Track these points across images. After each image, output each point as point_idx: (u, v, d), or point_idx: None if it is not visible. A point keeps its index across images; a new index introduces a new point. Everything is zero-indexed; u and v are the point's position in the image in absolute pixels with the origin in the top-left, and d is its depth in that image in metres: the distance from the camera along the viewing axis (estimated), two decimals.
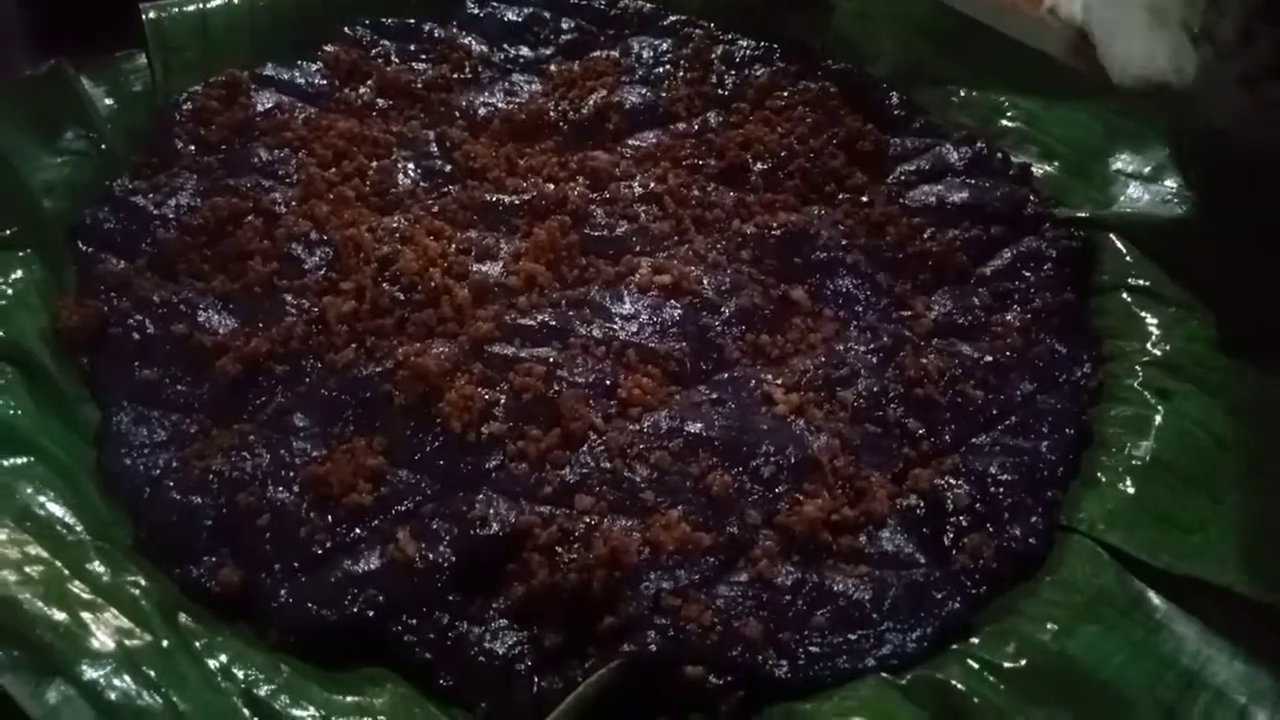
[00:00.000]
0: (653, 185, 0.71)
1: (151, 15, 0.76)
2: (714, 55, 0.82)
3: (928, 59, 0.81)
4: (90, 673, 0.43)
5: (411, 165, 0.73)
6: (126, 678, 0.43)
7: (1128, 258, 0.67)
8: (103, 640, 0.44)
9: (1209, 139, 0.69)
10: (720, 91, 0.80)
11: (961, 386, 0.60)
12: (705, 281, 0.64)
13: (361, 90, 0.78)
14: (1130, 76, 0.76)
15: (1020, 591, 0.51)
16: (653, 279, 0.64)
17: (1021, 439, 0.58)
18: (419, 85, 0.79)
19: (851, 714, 0.46)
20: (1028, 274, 0.67)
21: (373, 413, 0.56)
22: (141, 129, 0.73)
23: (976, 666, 0.47)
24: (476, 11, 0.86)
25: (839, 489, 0.55)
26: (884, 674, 0.48)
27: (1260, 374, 0.60)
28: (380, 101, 0.78)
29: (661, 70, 0.81)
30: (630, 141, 0.76)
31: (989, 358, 0.62)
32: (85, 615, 0.45)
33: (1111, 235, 0.68)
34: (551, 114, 0.77)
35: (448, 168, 0.73)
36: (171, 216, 0.67)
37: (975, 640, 0.49)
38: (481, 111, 0.77)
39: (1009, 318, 0.64)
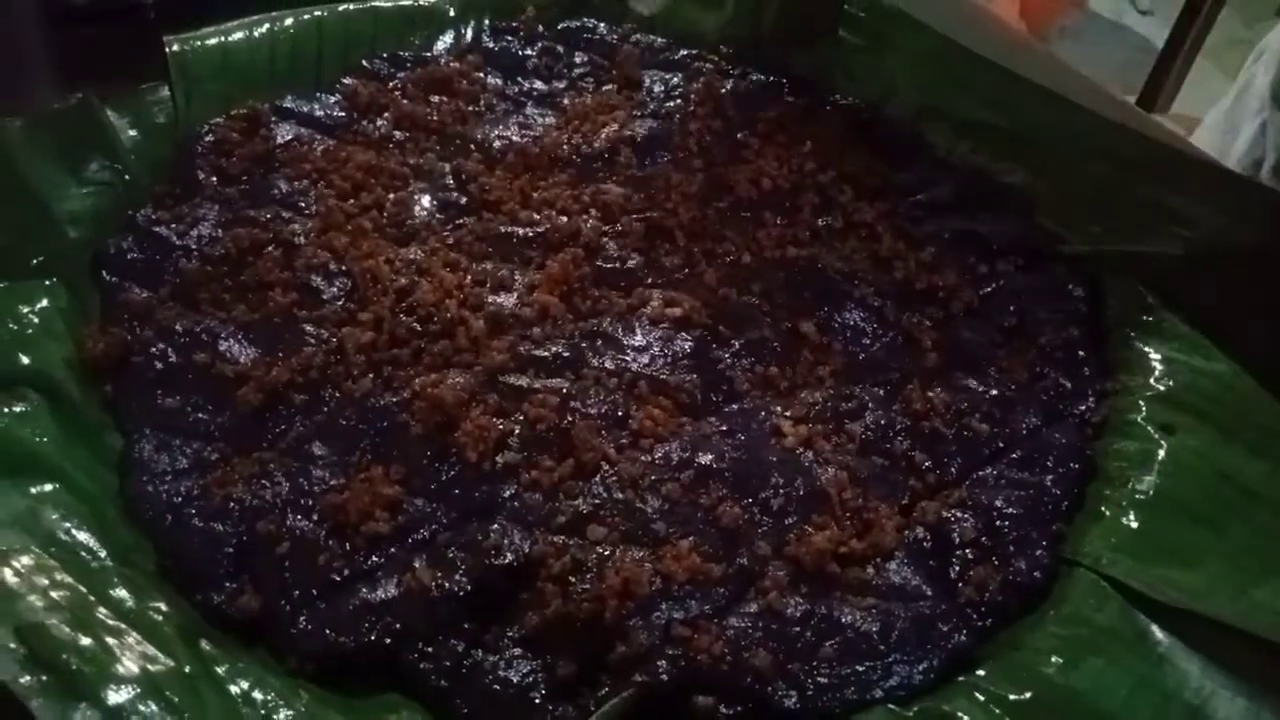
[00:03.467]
0: (664, 219, 0.73)
1: (175, 48, 0.78)
2: (724, 90, 0.84)
3: (936, 94, 0.82)
4: (115, 698, 0.43)
5: (428, 197, 0.74)
6: (151, 703, 0.44)
7: (1133, 293, 0.68)
8: (127, 666, 0.45)
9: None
10: (730, 126, 0.81)
11: (967, 420, 0.61)
12: (715, 314, 0.65)
13: (379, 122, 0.80)
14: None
15: (1025, 624, 0.52)
16: (664, 311, 0.65)
17: (1027, 472, 0.58)
18: (435, 118, 0.80)
19: None
20: (1034, 309, 0.67)
21: (390, 442, 0.57)
22: (164, 160, 0.74)
23: (982, 699, 0.48)
24: (492, 45, 0.87)
25: (847, 521, 0.55)
26: (891, 705, 0.48)
27: (1263, 407, 0.61)
28: (397, 134, 0.79)
29: (673, 104, 0.83)
30: (642, 175, 0.77)
31: (995, 392, 0.63)
32: (110, 641, 0.46)
33: (1118, 271, 0.69)
34: (565, 147, 0.78)
35: (463, 200, 0.74)
36: (193, 246, 0.68)
37: (981, 673, 0.50)
38: (496, 144, 0.78)
39: (1015, 352, 0.65)
